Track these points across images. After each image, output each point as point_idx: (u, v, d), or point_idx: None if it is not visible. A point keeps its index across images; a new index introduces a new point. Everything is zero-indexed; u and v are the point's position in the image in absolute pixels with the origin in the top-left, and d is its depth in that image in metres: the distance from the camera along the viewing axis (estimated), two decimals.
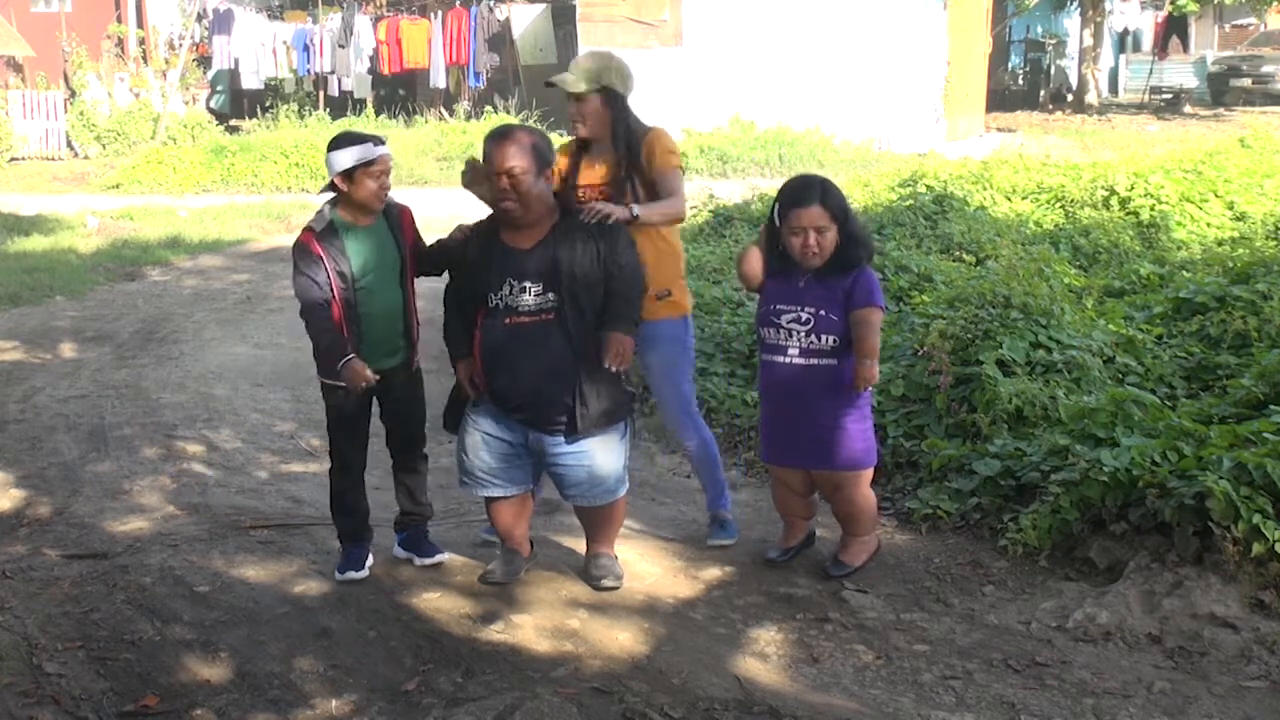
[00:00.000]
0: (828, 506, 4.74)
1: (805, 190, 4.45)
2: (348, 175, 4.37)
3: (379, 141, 4.42)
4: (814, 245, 4.37)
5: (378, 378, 4.40)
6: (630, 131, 4.61)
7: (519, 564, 4.53)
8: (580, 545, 4.70)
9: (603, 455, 4.29)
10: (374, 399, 4.59)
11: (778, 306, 4.48)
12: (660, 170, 4.59)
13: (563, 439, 4.25)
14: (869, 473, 4.61)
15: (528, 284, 4.16)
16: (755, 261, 4.55)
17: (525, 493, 4.49)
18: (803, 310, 4.42)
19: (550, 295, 4.16)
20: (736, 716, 3.61)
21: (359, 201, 4.41)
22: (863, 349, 4.36)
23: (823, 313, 4.39)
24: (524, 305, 4.17)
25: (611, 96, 4.58)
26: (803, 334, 4.42)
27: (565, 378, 4.19)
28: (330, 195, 4.46)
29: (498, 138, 4.23)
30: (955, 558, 4.77)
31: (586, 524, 4.52)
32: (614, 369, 4.17)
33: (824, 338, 4.40)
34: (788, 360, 4.47)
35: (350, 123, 20.62)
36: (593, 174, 4.63)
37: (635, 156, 4.59)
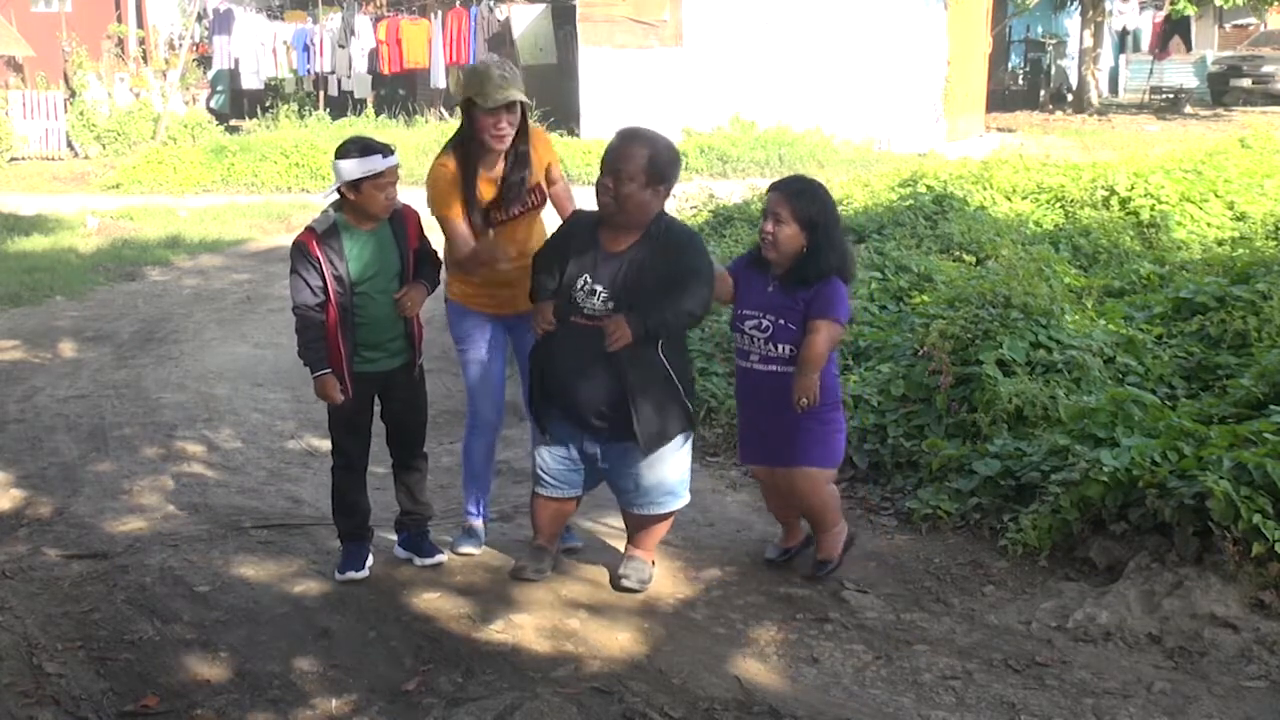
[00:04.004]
0: None
1: (787, 180, 4.61)
2: (354, 186, 4.33)
3: (388, 151, 4.36)
4: (769, 232, 4.42)
5: (343, 398, 4.42)
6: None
7: (548, 560, 4.57)
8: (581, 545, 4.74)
9: (650, 468, 4.32)
10: (375, 398, 4.60)
11: (744, 312, 4.52)
12: (552, 161, 4.70)
13: (610, 445, 4.29)
14: (830, 472, 4.62)
15: (599, 287, 4.18)
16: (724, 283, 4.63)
17: (573, 498, 4.53)
18: (764, 318, 4.45)
19: (612, 305, 4.16)
20: (736, 716, 3.61)
21: (366, 211, 4.40)
22: (803, 358, 4.35)
23: (781, 322, 4.42)
24: (590, 307, 4.19)
25: (522, 105, 4.52)
26: (762, 341, 4.46)
27: (606, 387, 4.20)
28: (335, 197, 4.42)
29: (624, 137, 4.25)
30: (955, 558, 4.77)
31: (630, 526, 4.56)
32: (608, 346, 4.13)
33: (780, 346, 4.42)
34: (751, 365, 4.52)
35: (350, 123, 20.62)
36: (490, 186, 4.54)
37: (526, 156, 4.55)
